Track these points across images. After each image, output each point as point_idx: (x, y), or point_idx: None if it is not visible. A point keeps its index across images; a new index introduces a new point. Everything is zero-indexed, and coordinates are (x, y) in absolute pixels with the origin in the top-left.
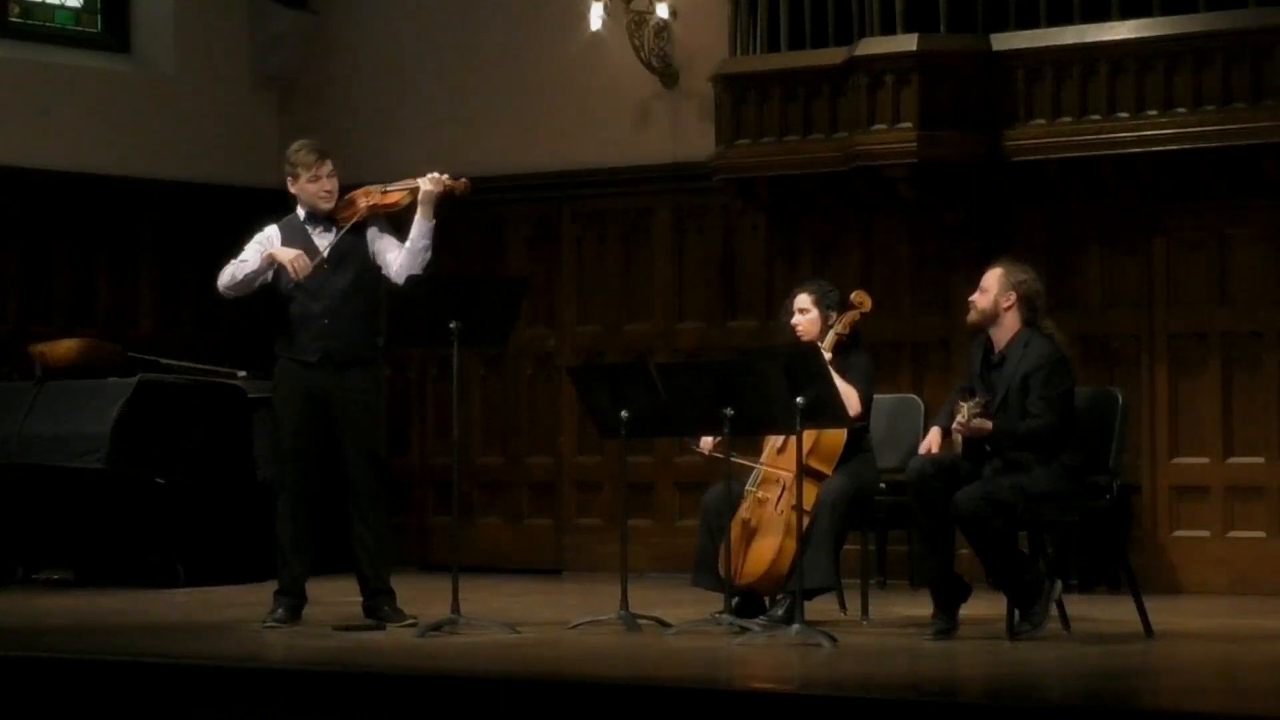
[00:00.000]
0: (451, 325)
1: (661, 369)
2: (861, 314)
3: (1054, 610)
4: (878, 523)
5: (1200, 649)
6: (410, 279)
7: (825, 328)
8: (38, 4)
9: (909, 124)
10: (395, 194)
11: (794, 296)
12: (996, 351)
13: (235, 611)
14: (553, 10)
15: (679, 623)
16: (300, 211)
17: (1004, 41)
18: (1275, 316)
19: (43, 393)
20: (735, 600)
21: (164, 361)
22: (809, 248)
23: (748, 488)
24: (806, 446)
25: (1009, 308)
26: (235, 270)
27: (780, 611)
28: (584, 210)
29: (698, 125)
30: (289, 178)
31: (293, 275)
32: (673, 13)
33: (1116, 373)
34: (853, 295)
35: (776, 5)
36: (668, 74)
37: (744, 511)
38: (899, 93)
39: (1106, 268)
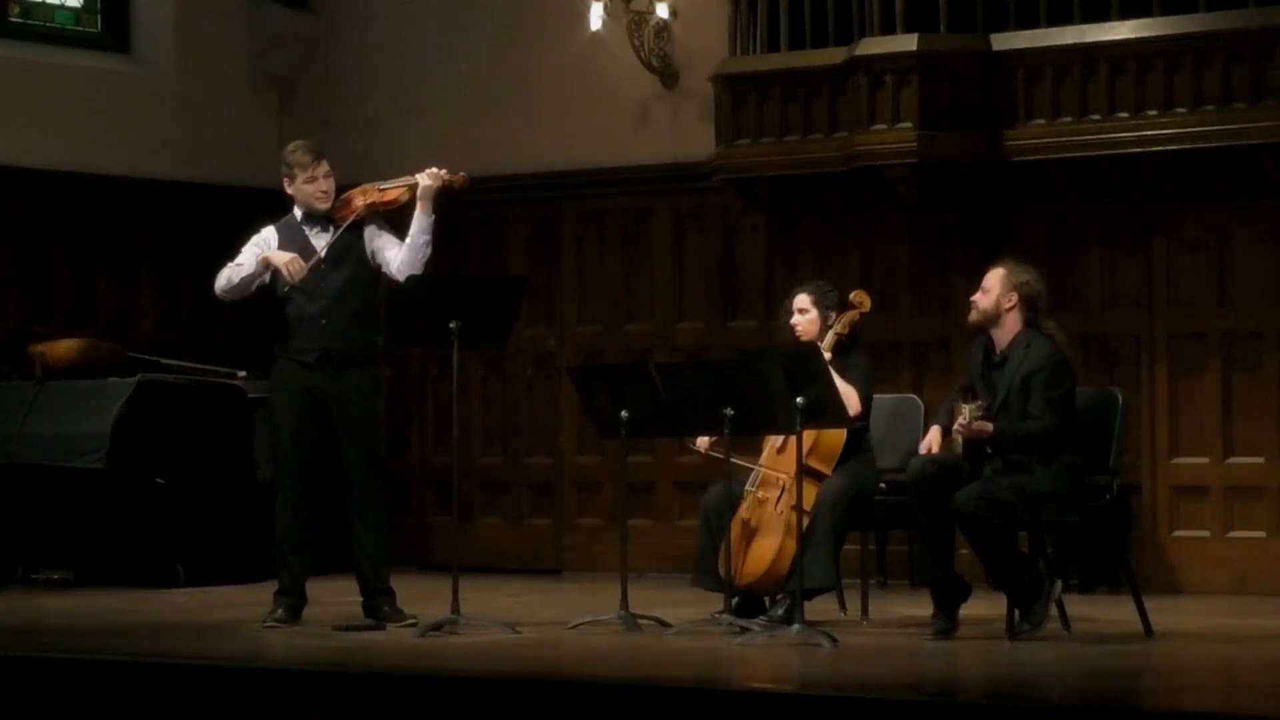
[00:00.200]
0: (451, 325)
1: (661, 369)
2: (861, 314)
3: (1054, 610)
4: (878, 523)
5: (1200, 649)
6: (410, 279)
7: (825, 328)
8: (38, 4)
9: (909, 124)
10: (393, 191)
11: (793, 297)
12: (998, 352)
13: (235, 611)
14: (553, 10)
15: (679, 623)
16: (297, 212)
17: (1004, 41)
18: (1275, 316)
19: (43, 393)
20: (735, 600)
21: (164, 361)
22: (809, 248)
23: (747, 488)
24: (806, 446)
25: (1010, 308)
26: (231, 274)
27: (780, 611)
28: (584, 210)
29: (698, 125)
30: (285, 178)
31: (288, 279)
32: (673, 13)
33: (1116, 373)
34: (852, 295)
35: (776, 5)
36: (668, 74)
37: (744, 511)
38: (899, 93)
39: (1106, 268)
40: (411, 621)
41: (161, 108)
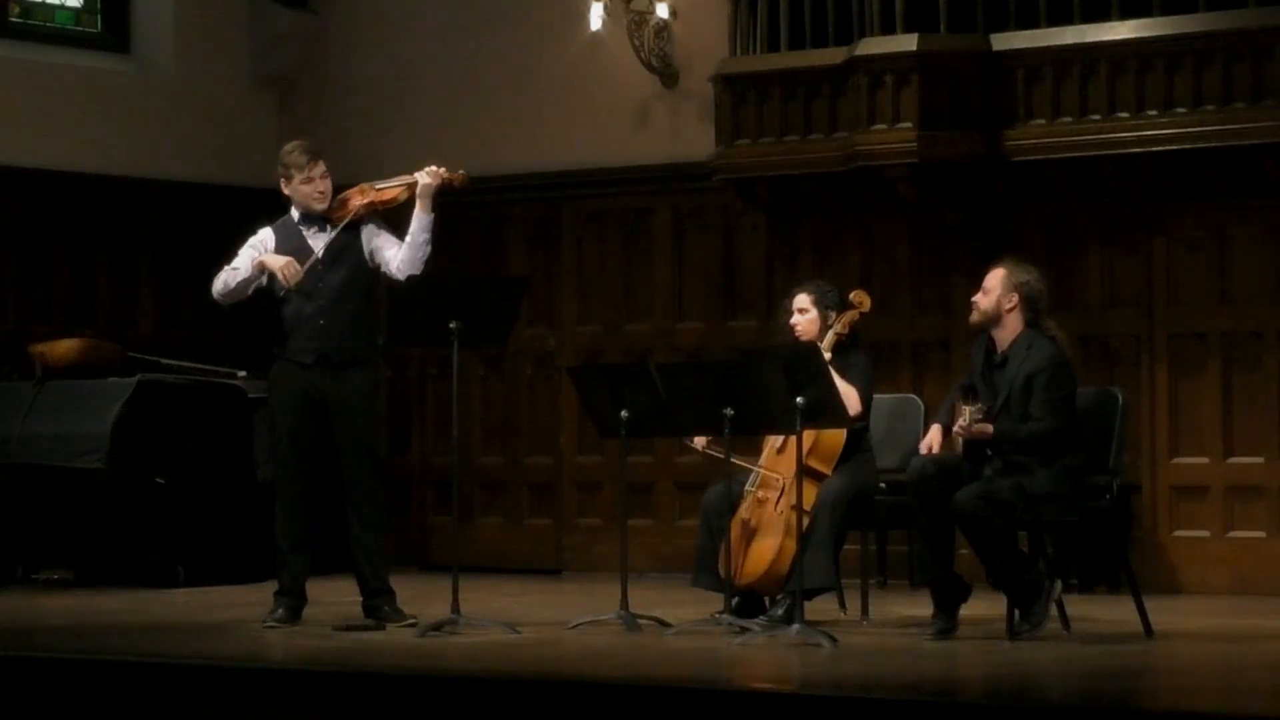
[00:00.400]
0: (451, 325)
1: (661, 369)
2: (861, 314)
3: (1054, 610)
4: (878, 523)
5: (1200, 649)
6: (410, 278)
7: (825, 328)
8: (38, 4)
9: (909, 124)
10: (392, 190)
11: (793, 297)
12: (999, 352)
13: (235, 611)
14: (553, 10)
15: (679, 623)
16: (294, 212)
17: (1004, 41)
18: (1275, 316)
19: (43, 393)
20: (735, 600)
21: (164, 361)
22: (809, 248)
23: (747, 488)
24: (806, 447)
25: (1011, 309)
26: (228, 278)
27: (780, 611)
28: (584, 210)
29: (698, 125)
30: (282, 179)
31: (283, 282)
32: (673, 13)
33: (1116, 373)
34: (852, 295)
35: (776, 5)
36: (668, 74)
37: (744, 512)
38: (899, 93)
39: (1106, 268)
40: (411, 621)
41: (161, 108)
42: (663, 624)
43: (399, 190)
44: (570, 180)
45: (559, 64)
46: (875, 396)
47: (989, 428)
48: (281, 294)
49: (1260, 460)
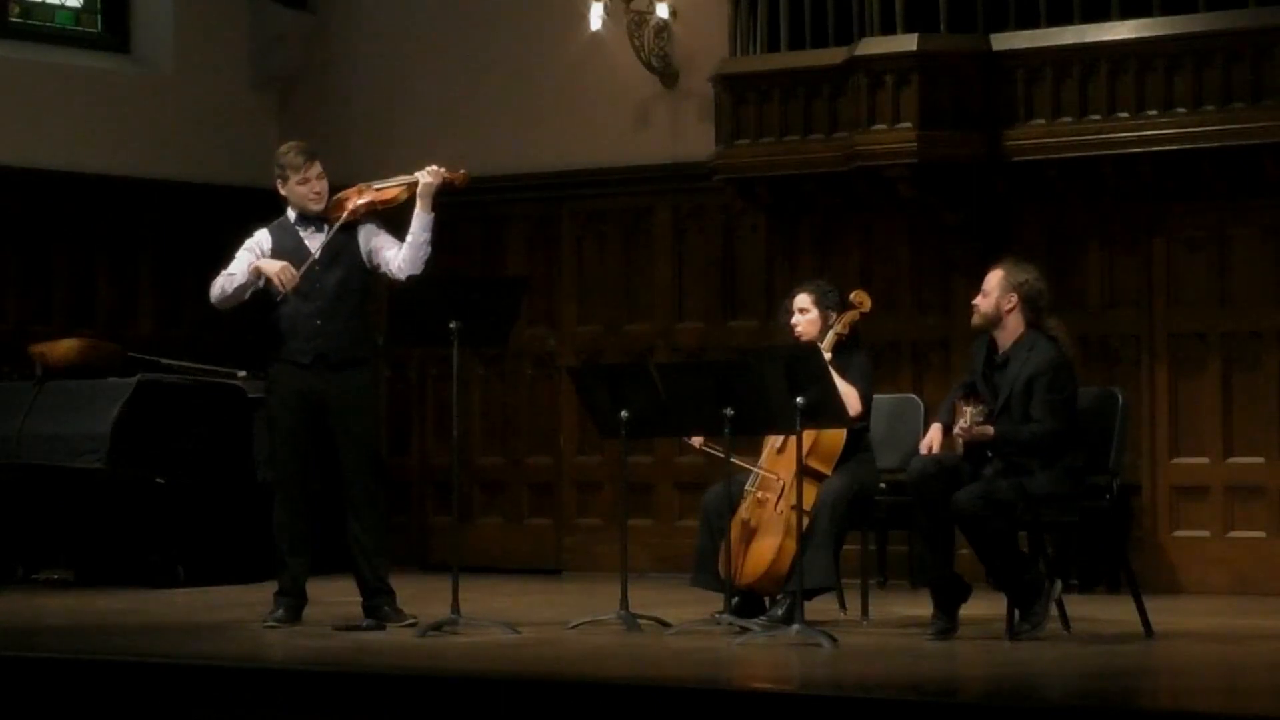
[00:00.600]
0: (451, 325)
1: (661, 369)
2: (861, 314)
3: (1054, 610)
4: (878, 523)
5: (1200, 649)
6: (410, 279)
7: (825, 328)
8: (38, 4)
9: (909, 124)
10: (392, 190)
11: (793, 297)
12: (1000, 353)
13: (235, 611)
14: (553, 10)
15: (679, 623)
16: (291, 213)
17: (1004, 41)
18: (1275, 316)
19: (43, 393)
20: (735, 600)
21: (164, 361)
22: (809, 248)
23: (747, 488)
24: (806, 446)
25: (1010, 310)
26: (225, 284)
27: (780, 611)
28: (584, 210)
29: (698, 125)
30: (278, 180)
31: (280, 288)
32: (673, 13)
33: (1116, 373)
34: (852, 295)
35: (776, 5)
36: (668, 74)
37: (744, 512)
38: (899, 93)
39: (1106, 268)
40: (411, 621)
41: (161, 108)
42: (663, 624)
43: (399, 190)
44: (570, 180)
45: (559, 64)
46: (875, 396)
47: (990, 430)
48: (279, 298)
49: (1260, 460)
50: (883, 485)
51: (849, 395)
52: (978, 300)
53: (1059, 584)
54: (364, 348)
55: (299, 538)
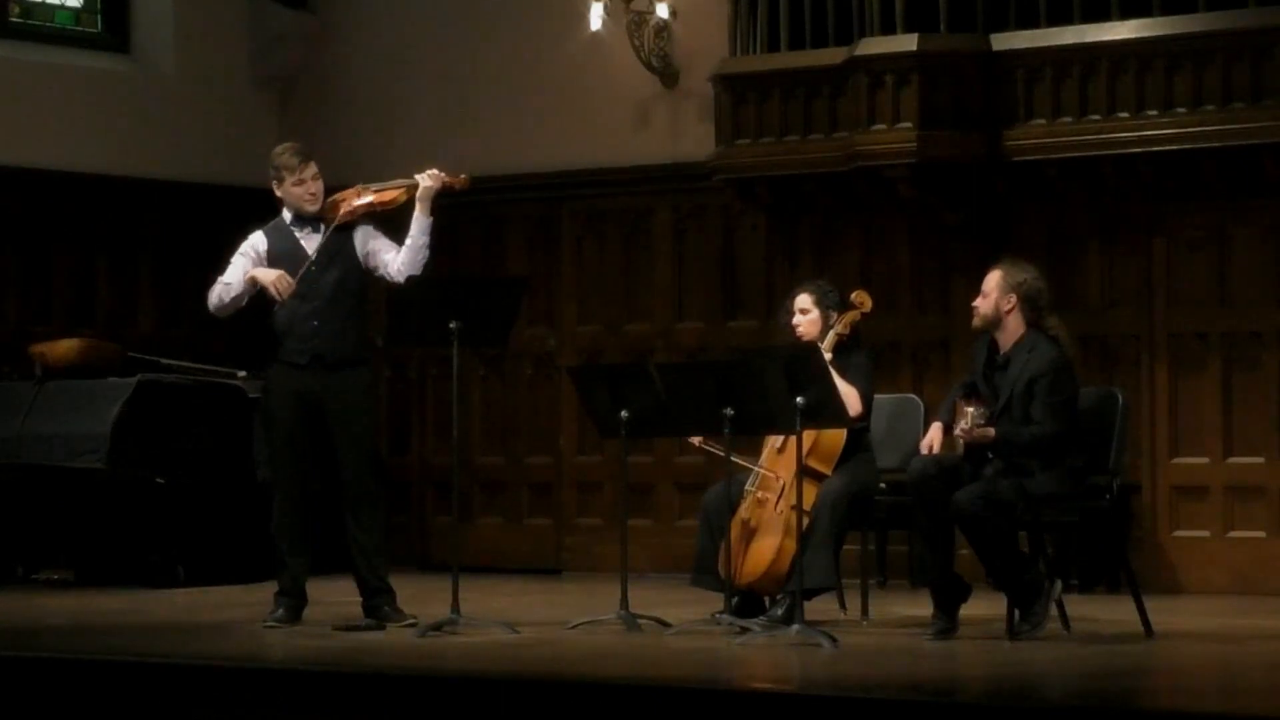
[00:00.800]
0: (451, 325)
1: (661, 369)
2: (862, 314)
3: (1054, 610)
4: (878, 523)
5: (1200, 649)
6: (410, 279)
7: (826, 328)
8: (38, 4)
9: (909, 124)
10: (391, 193)
11: (794, 297)
12: (1001, 354)
13: (235, 611)
14: (553, 10)
15: (679, 623)
16: (286, 214)
17: (1004, 41)
18: (1275, 316)
19: (43, 393)
20: (735, 600)
21: (164, 361)
22: (809, 248)
23: (747, 488)
24: (806, 446)
25: (1010, 310)
26: (222, 294)
27: (780, 611)
28: (584, 210)
29: (698, 125)
30: (273, 181)
31: (276, 298)
32: (673, 13)
33: (1116, 373)
34: (853, 295)
35: (776, 5)
36: (668, 74)
37: (744, 511)
38: (899, 93)
39: (1106, 268)
40: (411, 621)
41: (161, 108)
42: (663, 624)
43: (399, 193)
44: (570, 180)
45: (559, 64)
46: (875, 396)
47: (990, 432)
48: (276, 306)
49: (1260, 460)
50: (883, 485)
51: (849, 395)
52: (977, 302)
53: (1059, 584)
54: (361, 348)
55: (298, 538)
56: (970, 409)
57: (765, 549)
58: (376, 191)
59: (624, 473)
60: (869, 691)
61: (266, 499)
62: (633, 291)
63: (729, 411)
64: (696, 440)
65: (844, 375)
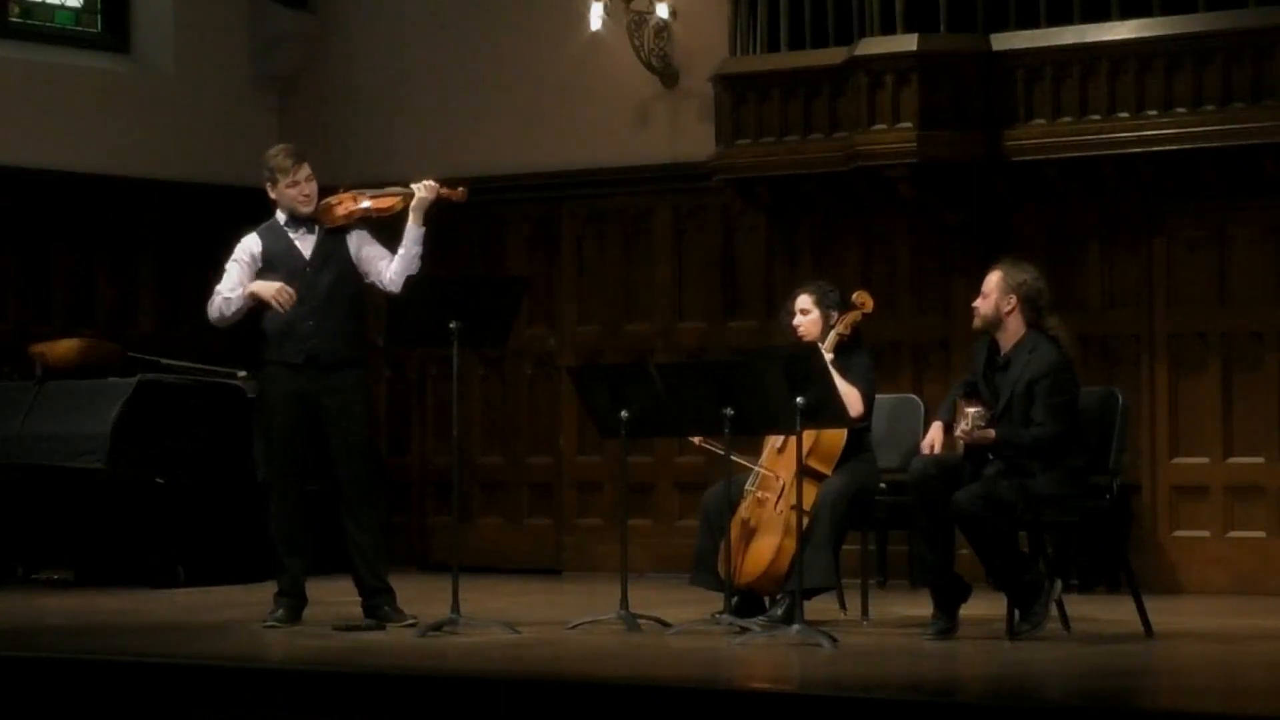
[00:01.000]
0: (451, 325)
1: (661, 369)
2: (863, 314)
3: (1054, 610)
4: (878, 523)
5: (1200, 649)
6: (409, 280)
7: (826, 328)
8: (38, 4)
9: (909, 124)
10: (388, 200)
11: (795, 298)
12: (1001, 354)
13: (235, 611)
14: (553, 10)
15: (679, 623)
16: (280, 216)
17: (1004, 41)
18: (1275, 316)
19: (43, 393)
20: (735, 600)
21: (164, 361)
22: (809, 248)
23: (747, 487)
24: (806, 447)
25: (1010, 311)
26: (223, 308)
27: (780, 611)
28: (584, 210)
29: (698, 125)
30: (267, 183)
31: (279, 310)
32: (673, 13)
33: (1116, 373)
34: (854, 295)
35: (776, 5)
36: (668, 74)
37: (743, 511)
38: (899, 93)
39: (1106, 268)
40: (411, 621)
41: (161, 108)
42: (663, 624)
43: (395, 201)
44: (570, 180)
45: (559, 64)
46: (876, 396)
47: (991, 433)
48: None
49: (1260, 460)
50: (883, 485)
51: (850, 396)
52: (977, 303)
53: (1059, 584)
54: (357, 349)
55: (296, 539)
56: (971, 410)
57: (765, 549)
58: (373, 197)
59: (624, 473)
60: (869, 691)
61: (266, 499)
62: (632, 291)
63: (729, 411)
64: (697, 440)
65: (845, 375)
